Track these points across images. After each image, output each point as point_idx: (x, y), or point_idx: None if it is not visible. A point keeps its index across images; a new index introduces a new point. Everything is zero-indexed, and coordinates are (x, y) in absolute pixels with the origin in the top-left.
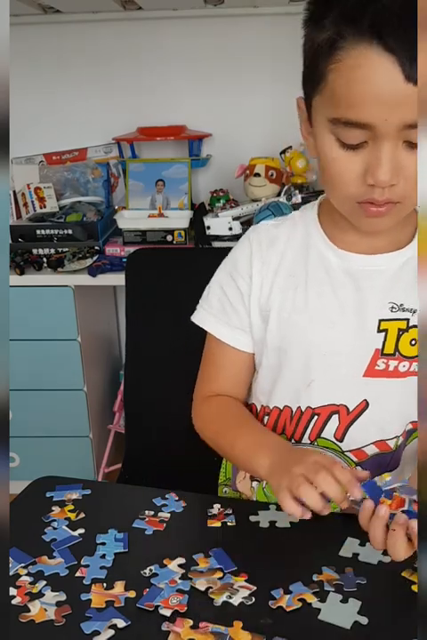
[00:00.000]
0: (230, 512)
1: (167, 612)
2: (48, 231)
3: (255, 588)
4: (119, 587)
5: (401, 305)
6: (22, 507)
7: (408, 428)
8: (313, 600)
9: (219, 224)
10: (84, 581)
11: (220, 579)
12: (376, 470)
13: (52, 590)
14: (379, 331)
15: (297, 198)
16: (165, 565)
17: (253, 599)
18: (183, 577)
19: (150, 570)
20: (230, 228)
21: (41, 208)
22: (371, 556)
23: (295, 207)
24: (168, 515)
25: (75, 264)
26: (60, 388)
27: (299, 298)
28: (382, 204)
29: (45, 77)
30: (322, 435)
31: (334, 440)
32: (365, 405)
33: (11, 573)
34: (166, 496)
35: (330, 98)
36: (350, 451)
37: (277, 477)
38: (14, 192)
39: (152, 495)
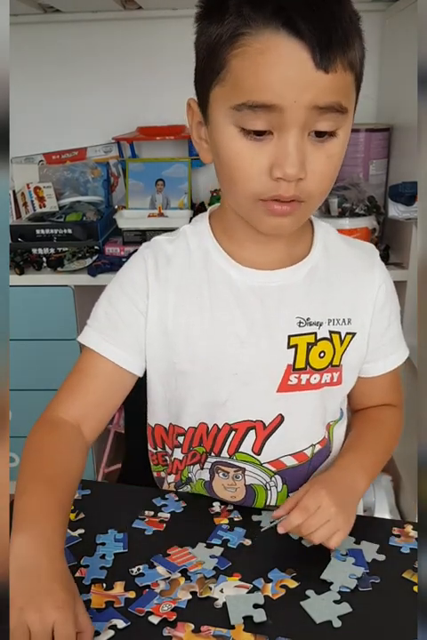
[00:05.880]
0: (232, 508)
1: (167, 608)
2: (48, 231)
3: (252, 587)
4: (119, 587)
5: (308, 319)
6: None
7: (324, 435)
8: (294, 585)
9: None
10: (83, 582)
11: (215, 577)
12: (293, 480)
13: None
14: (289, 347)
15: None
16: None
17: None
18: (183, 577)
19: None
20: None
21: (40, 208)
22: (371, 556)
23: None
24: (168, 515)
25: (74, 264)
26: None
27: (206, 320)
28: (288, 200)
29: (45, 77)
30: (240, 449)
31: (251, 454)
32: (280, 420)
33: None
34: (166, 496)
35: (234, 85)
36: (268, 462)
37: (22, 592)
38: (14, 192)
39: (152, 495)
